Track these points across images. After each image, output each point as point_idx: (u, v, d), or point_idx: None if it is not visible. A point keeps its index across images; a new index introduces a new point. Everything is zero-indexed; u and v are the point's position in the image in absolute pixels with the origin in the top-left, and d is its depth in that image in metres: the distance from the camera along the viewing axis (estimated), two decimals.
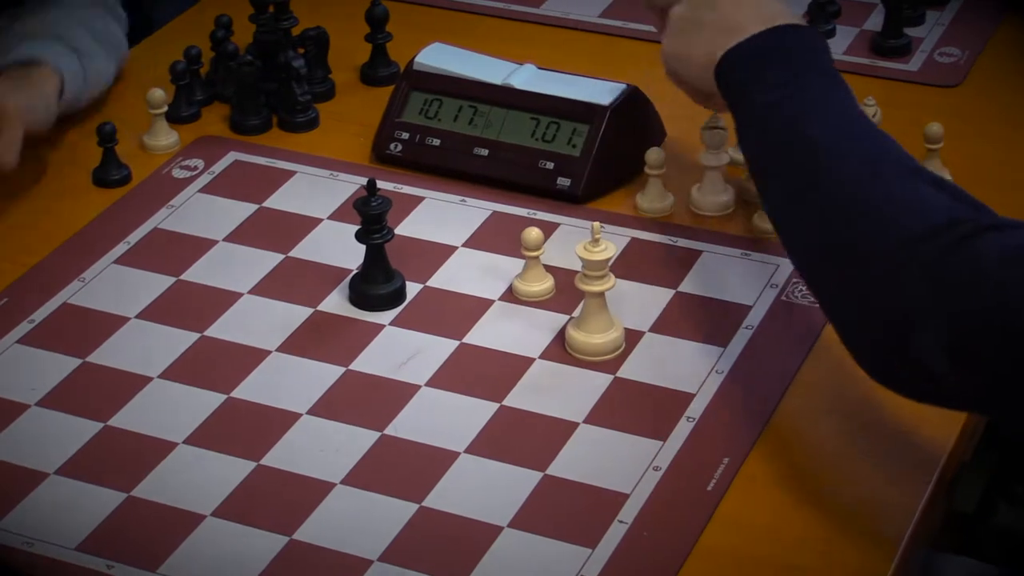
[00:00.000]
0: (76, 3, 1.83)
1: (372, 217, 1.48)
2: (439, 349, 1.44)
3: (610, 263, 1.38)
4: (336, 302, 1.53)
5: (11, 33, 1.78)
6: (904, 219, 1.18)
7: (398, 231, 1.56)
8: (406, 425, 1.36)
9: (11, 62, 1.72)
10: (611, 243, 1.38)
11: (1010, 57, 1.90)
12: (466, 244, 1.57)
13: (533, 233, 1.47)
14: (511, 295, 1.52)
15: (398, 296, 1.50)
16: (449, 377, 1.41)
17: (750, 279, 1.51)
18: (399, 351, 1.45)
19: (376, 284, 1.51)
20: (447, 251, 1.56)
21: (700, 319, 1.46)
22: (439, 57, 1.71)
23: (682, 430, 1.30)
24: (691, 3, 1.51)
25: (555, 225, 1.58)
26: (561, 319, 1.45)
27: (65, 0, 1.84)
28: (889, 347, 1.18)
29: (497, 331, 1.46)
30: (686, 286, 1.49)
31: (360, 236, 1.49)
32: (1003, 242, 1.13)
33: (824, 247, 1.25)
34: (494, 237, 1.59)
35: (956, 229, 1.14)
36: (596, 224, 1.39)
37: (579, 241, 1.43)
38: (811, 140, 1.28)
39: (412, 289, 1.51)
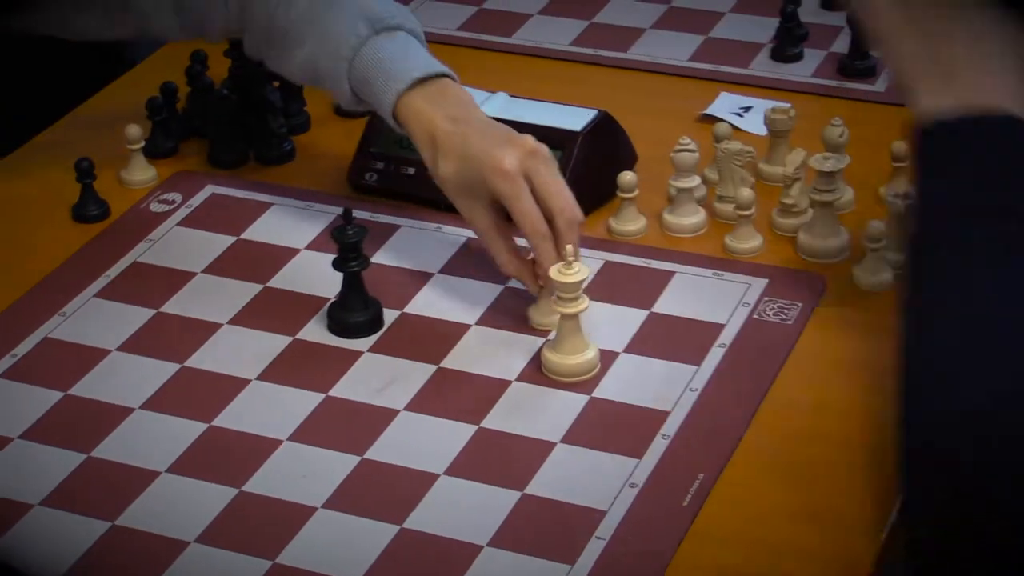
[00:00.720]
0: None
1: (349, 245, 1.51)
2: (417, 374, 1.46)
3: (584, 285, 1.40)
4: (314, 330, 1.55)
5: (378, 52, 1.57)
6: None
7: (374, 259, 1.59)
8: (386, 449, 1.39)
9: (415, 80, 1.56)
10: (584, 266, 1.41)
11: None
12: (442, 271, 1.60)
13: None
14: (488, 319, 1.53)
15: (375, 323, 1.54)
16: (427, 401, 1.43)
17: (722, 298, 1.54)
18: (377, 377, 1.47)
19: (354, 311, 1.54)
20: (424, 278, 1.58)
21: (674, 338, 1.48)
22: None
23: (657, 447, 1.33)
24: None
25: (528, 250, 1.60)
26: (537, 341, 1.48)
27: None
28: None
29: (474, 355, 1.49)
30: (659, 306, 1.52)
31: (337, 264, 1.52)
32: None
33: None
34: (469, 263, 1.61)
35: None
36: (569, 247, 1.41)
37: (555, 268, 1.49)
38: None
39: (389, 316, 1.54)
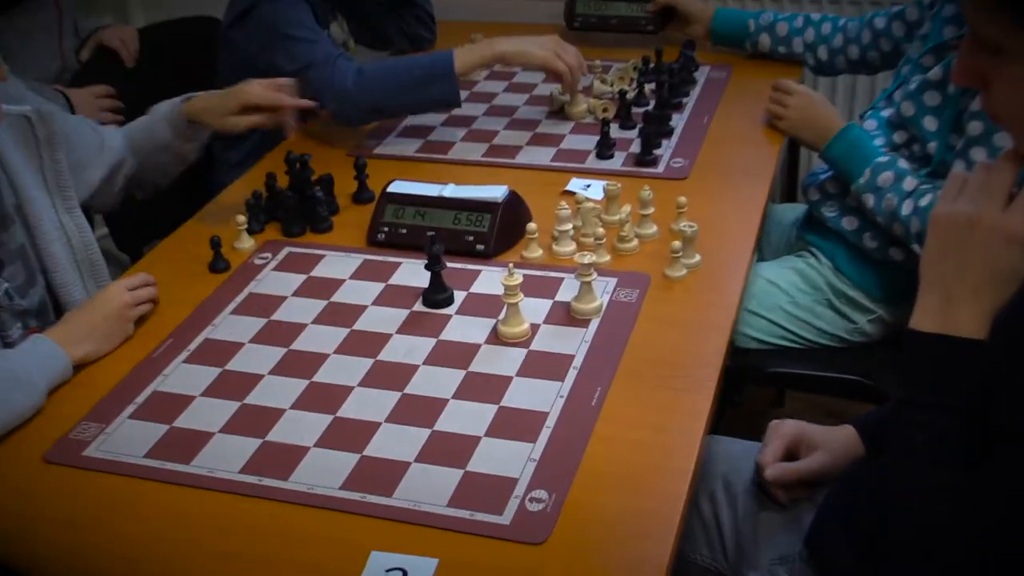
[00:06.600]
0: None
1: (435, 257, 1.67)
2: (427, 343, 1.62)
3: (519, 286, 1.59)
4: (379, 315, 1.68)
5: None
6: None
7: (388, 283, 1.76)
8: (417, 385, 1.54)
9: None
10: (519, 274, 1.59)
11: (709, 162, 2.10)
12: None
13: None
14: (464, 310, 1.67)
15: (451, 300, 1.70)
16: (437, 357, 1.60)
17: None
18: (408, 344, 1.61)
19: (440, 293, 1.71)
20: (418, 291, 1.73)
21: (568, 314, 1.65)
22: (400, 186, 1.91)
23: (571, 375, 1.51)
24: None
25: (478, 271, 1.78)
26: (492, 321, 1.65)
27: None
28: None
29: (459, 330, 1.65)
30: (559, 297, 1.70)
31: (428, 267, 1.67)
32: None
33: None
34: (448, 282, 1.72)
35: None
36: (511, 265, 1.60)
37: (495, 279, 1.64)
38: None
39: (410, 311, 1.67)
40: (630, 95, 2.32)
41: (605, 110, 2.27)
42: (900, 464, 1.20)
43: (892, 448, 1.21)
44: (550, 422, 1.43)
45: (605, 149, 2.14)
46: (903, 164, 1.91)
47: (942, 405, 1.18)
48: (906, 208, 1.87)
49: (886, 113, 2.04)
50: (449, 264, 1.72)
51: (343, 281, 1.81)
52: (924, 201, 1.85)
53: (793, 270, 2.13)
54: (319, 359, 1.60)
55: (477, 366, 1.55)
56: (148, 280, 1.72)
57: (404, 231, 1.87)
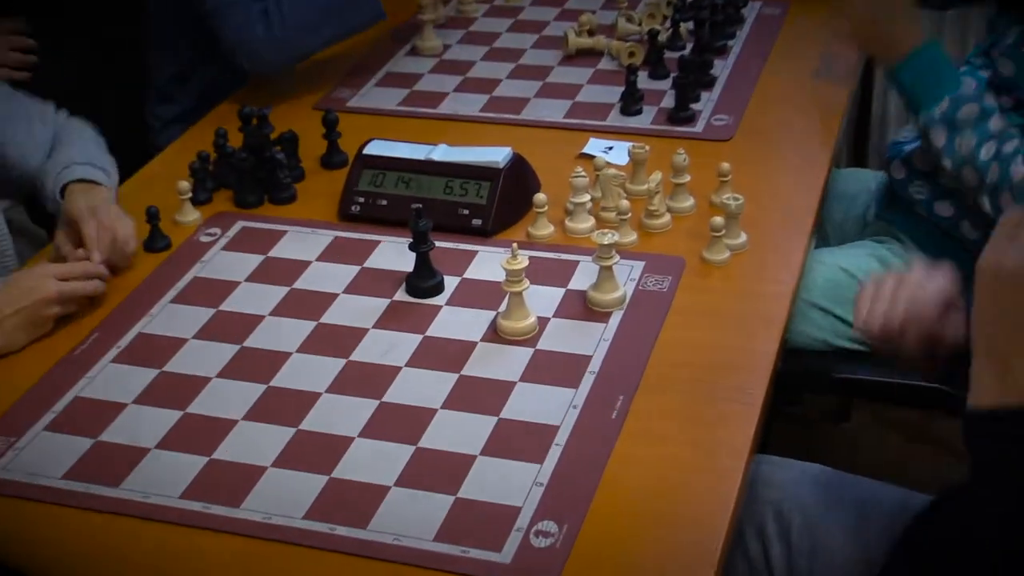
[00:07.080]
0: (80, 134, 1.88)
1: (421, 235, 1.61)
2: (412, 340, 1.55)
3: (525, 271, 1.52)
4: (347, 307, 1.61)
5: (54, 163, 1.82)
6: None
7: (364, 266, 1.70)
8: (397, 393, 1.48)
9: (72, 180, 1.76)
10: (525, 256, 1.52)
11: (759, 120, 2.05)
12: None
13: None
14: (454, 301, 1.60)
15: (440, 287, 1.64)
16: (423, 356, 1.53)
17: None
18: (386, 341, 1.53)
19: (425, 279, 1.64)
20: (400, 276, 1.66)
21: (586, 306, 1.59)
22: (379, 147, 1.85)
23: (587, 380, 1.47)
24: None
25: (474, 252, 1.71)
26: (491, 314, 1.58)
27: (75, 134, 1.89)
28: None
29: (451, 325, 1.59)
30: (572, 285, 1.63)
31: (413, 247, 1.61)
32: None
33: None
34: (437, 266, 1.65)
35: None
36: (515, 244, 1.53)
37: (495, 262, 1.57)
38: None
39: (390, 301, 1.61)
40: (662, 36, 2.27)
41: (632, 55, 2.22)
42: (970, 545, 1.18)
43: (963, 521, 1.19)
44: (560, 438, 1.40)
45: (631, 103, 2.08)
46: (993, 102, 1.82)
47: (1012, 494, 1.16)
48: (985, 152, 1.77)
49: (986, 73, 1.94)
50: (439, 243, 1.69)
51: (309, 263, 1.78)
52: (1009, 147, 1.75)
53: (874, 257, 2.03)
54: (279, 359, 1.57)
55: (472, 369, 1.52)
56: (89, 271, 1.65)
57: (384, 202, 1.81)
